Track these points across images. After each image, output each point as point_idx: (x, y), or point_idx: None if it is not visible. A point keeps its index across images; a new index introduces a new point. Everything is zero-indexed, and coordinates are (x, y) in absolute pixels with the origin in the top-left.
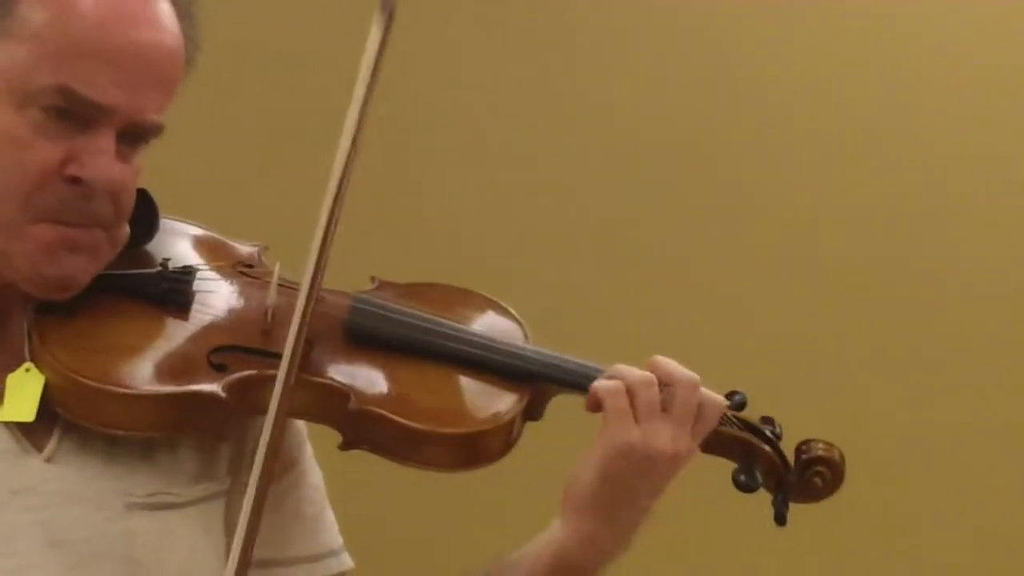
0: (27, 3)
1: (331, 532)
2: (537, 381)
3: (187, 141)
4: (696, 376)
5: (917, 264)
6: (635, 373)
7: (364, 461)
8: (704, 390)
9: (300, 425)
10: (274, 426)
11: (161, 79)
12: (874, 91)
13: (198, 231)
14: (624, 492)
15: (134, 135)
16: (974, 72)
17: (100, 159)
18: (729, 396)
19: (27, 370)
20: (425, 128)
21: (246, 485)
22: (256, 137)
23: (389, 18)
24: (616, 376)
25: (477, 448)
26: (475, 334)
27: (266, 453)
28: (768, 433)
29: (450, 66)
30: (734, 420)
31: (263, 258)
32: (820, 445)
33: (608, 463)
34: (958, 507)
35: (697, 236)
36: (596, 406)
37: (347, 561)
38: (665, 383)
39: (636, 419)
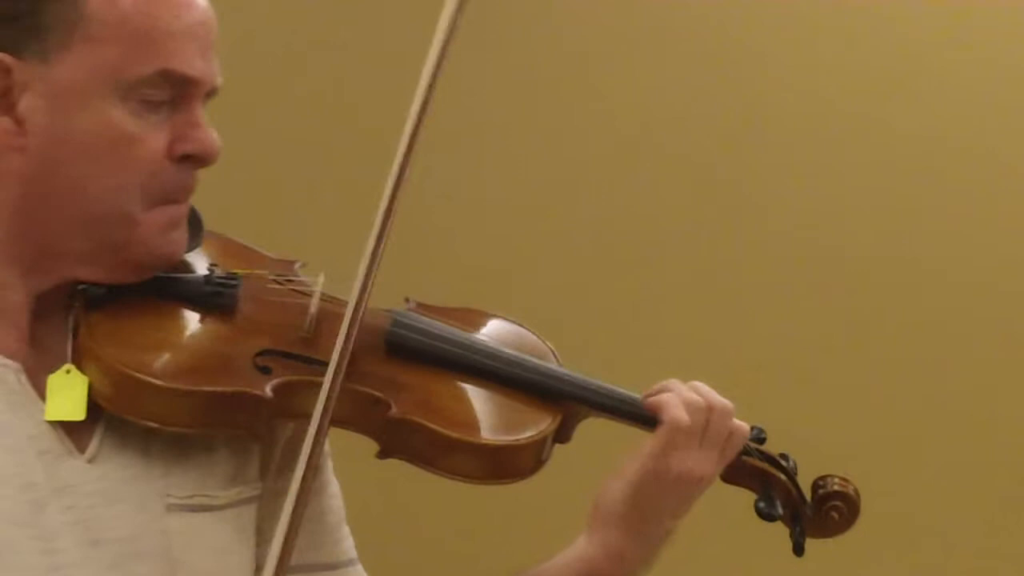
0: (98, 2)
1: (349, 542)
2: (570, 403)
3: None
4: (731, 404)
5: (933, 298)
6: (689, 396)
7: (380, 478)
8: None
9: None
10: (318, 432)
11: (215, 42)
12: (878, 96)
13: (238, 244)
14: (652, 510)
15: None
16: (974, 72)
17: (200, 131)
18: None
19: (67, 371)
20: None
21: (274, 491)
22: (296, 152)
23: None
24: (674, 393)
25: (510, 462)
26: (513, 353)
27: (308, 460)
28: (786, 465)
29: (469, 78)
30: (756, 451)
31: (299, 272)
32: (836, 480)
33: (641, 480)
34: (971, 531)
35: (718, 265)
36: (654, 417)
37: (362, 573)
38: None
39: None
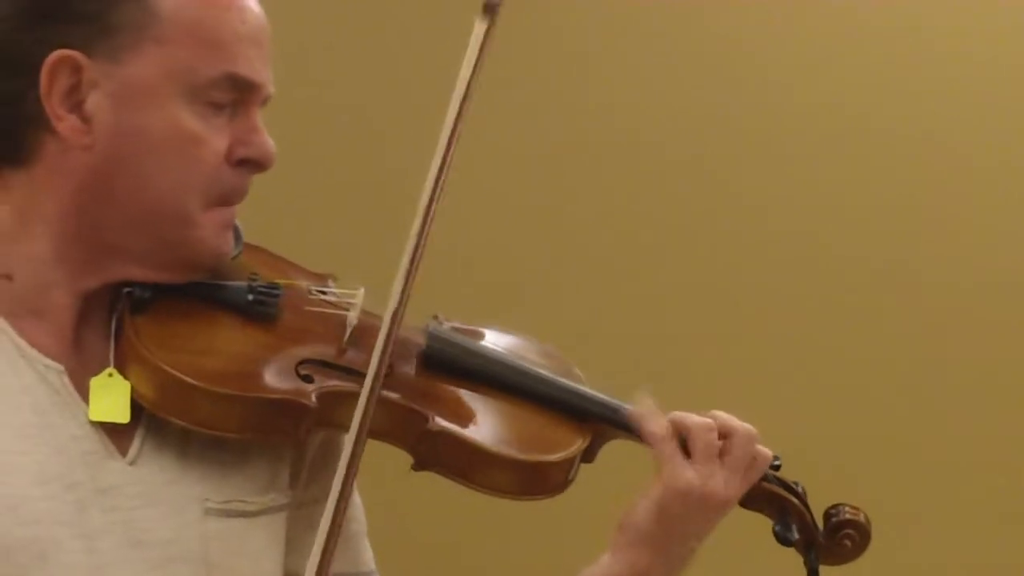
0: (169, 4)
1: (369, 554)
2: (599, 423)
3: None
4: (754, 429)
5: (933, 307)
6: (694, 419)
7: (399, 494)
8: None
9: None
10: (356, 443)
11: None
12: (879, 97)
13: (276, 256)
14: (677, 530)
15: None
16: (974, 72)
17: (259, 136)
18: None
19: (110, 375)
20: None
21: (302, 501)
22: (328, 168)
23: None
24: (676, 423)
25: (542, 479)
26: (546, 373)
27: (347, 470)
28: (799, 492)
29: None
30: (774, 478)
31: (334, 285)
32: (847, 508)
33: (666, 501)
34: (977, 545)
35: (732, 288)
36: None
37: None
38: (725, 434)
39: (694, 461)
